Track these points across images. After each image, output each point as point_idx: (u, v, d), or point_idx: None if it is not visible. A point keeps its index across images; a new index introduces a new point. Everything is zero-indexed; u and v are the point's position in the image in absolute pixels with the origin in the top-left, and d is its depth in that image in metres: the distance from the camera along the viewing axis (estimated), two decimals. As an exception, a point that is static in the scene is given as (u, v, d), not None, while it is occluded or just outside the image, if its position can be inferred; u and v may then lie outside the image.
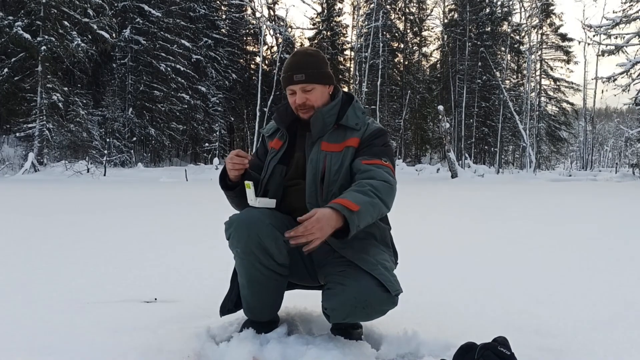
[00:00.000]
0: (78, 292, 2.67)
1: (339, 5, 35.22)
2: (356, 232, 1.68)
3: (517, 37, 34.98)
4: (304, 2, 38.72)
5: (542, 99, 36.36)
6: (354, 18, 34.31)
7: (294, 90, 1.93)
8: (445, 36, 35.62)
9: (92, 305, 2.43)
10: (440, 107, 21.40)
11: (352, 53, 34.35)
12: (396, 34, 35.16)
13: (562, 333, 2.13)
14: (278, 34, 31.16)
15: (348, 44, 36.04)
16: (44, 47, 19.26)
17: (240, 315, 2.06)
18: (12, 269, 3.26)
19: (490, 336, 1.76)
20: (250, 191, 1.85)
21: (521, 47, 35.04)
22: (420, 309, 2.37)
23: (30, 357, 1.79)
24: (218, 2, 32.57)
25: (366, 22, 30.84)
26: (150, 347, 1.85)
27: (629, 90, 23.38)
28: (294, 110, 1.98)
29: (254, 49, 34.65)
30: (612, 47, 23.38)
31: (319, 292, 1.90)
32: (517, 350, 1.70)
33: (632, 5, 23.00)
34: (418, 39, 38.13)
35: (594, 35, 25.94)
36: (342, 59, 36.79)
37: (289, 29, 32.49)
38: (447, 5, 36.32)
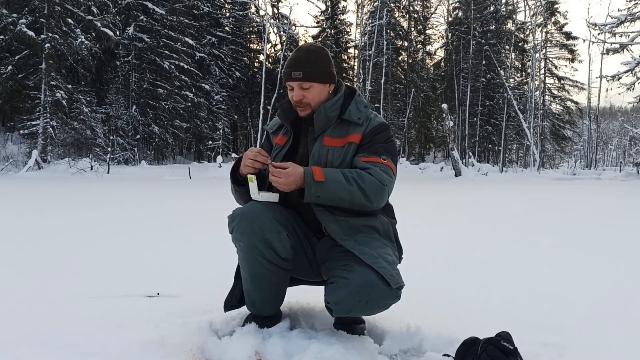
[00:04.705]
0: (81, 287, 2.68)
1: (343, 3, 35.18)
2: (314, 200, 1.79)
3: (522, 36, 34.83)
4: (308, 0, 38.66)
5: (547, 97, 36.13)
6: (358, 16, 34.31)
7: (292, 87, 1.95)
8: (450, 34, 35.52)
9: (95, 300, 2.44)
10: (444, 106, 21.34)
11: (356, 51, 34.31)
12: (400, 32, 35.08)
13: (565, 329, 2.13)
14: (282, 32, 31.13)
15: (352, 42, 35.97)
16: (47, 45, 19.27)
17: (242, 309, 2.06)
18: (16, 263, 3.28)
19: (494, 331, 1.76)
20: (253, 185, 1.84)
21: (525, 45, 34.90)
22: (423, 305, 2.36)
23: (33, 351, 1.79)
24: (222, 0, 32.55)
25: (370, 20, 30.73)
26: (153, 341, 1.85)
27: (633, 89, 23.31)
28: (293, 105, 1.99)
29: (258, 47, 34.64)
30: (617, 46, 23.30)
31: (321, 288, 1.90)
32: (520, 346, 1.69)
33: (637, 3, 22.89)
34: (422, 37, 38.01)
35: (598, 34, 25.86)
36: (345, 57, 36.71)
37: (293, 27, 32.46)
38: (452, 4, 36.21)
